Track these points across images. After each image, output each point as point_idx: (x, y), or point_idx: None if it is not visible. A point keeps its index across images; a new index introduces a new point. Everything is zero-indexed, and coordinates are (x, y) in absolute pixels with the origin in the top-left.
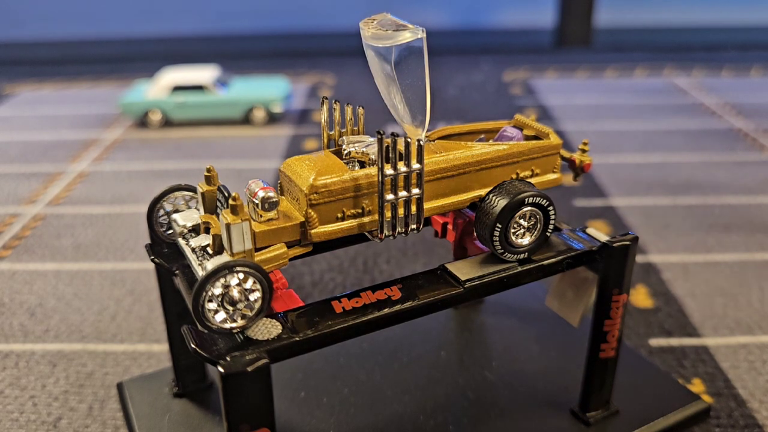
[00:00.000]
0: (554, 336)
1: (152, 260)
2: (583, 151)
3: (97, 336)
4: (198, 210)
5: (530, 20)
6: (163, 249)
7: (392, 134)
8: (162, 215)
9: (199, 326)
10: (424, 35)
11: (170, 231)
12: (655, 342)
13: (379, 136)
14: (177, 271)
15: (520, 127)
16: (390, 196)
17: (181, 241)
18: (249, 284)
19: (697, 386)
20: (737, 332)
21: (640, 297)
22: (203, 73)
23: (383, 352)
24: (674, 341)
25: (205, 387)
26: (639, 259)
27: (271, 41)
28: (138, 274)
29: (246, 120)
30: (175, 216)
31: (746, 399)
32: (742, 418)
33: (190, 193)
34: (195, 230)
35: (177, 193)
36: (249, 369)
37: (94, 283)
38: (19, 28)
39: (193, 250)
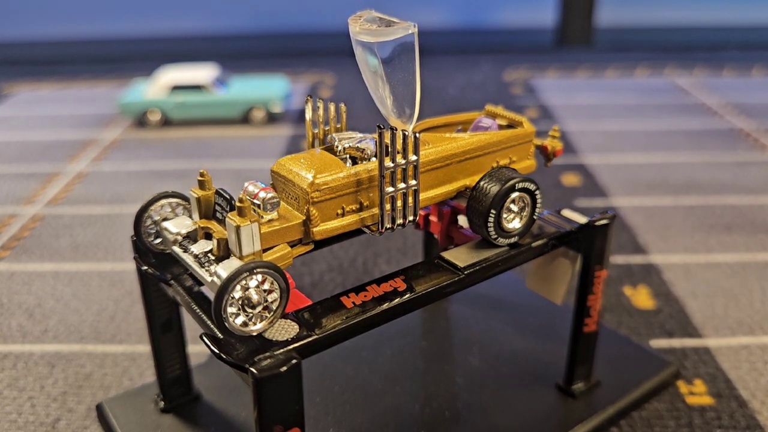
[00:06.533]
0: (524, 318)
1: (145, 271)
2: (554, 137)
3: (96, 337)
4: (190, 216)
5: (531, 19)
6: (150, 259)
7: (391, 128)
8: (149, 224)
9: (218, 332)
10: (416, 30)
11: (157, 240)
12: (656, 343)
13: (380, 131)
14: (172, 281)
15: (492, 117)
16: (390, 189)
17: (177, 249)
18: (267, 285)
19: (698, 387)
20: (739, 333)
21: (642, 297)
22: (202, 73)
23: (365, 347)
24: (675, 342)
25: (190, 399)
26: (640, 259)
27: (271, 41)
28: (137, 275)
29: (245, 120)
30: (165, 224)
31: (747, 400)
32: (744, 419)
33: (176, 200)
34: (190, 237)
35: (163, 201)
36: (283, 369)
37: (93, 283)
38: (18, 28)
39: (196, 256)
